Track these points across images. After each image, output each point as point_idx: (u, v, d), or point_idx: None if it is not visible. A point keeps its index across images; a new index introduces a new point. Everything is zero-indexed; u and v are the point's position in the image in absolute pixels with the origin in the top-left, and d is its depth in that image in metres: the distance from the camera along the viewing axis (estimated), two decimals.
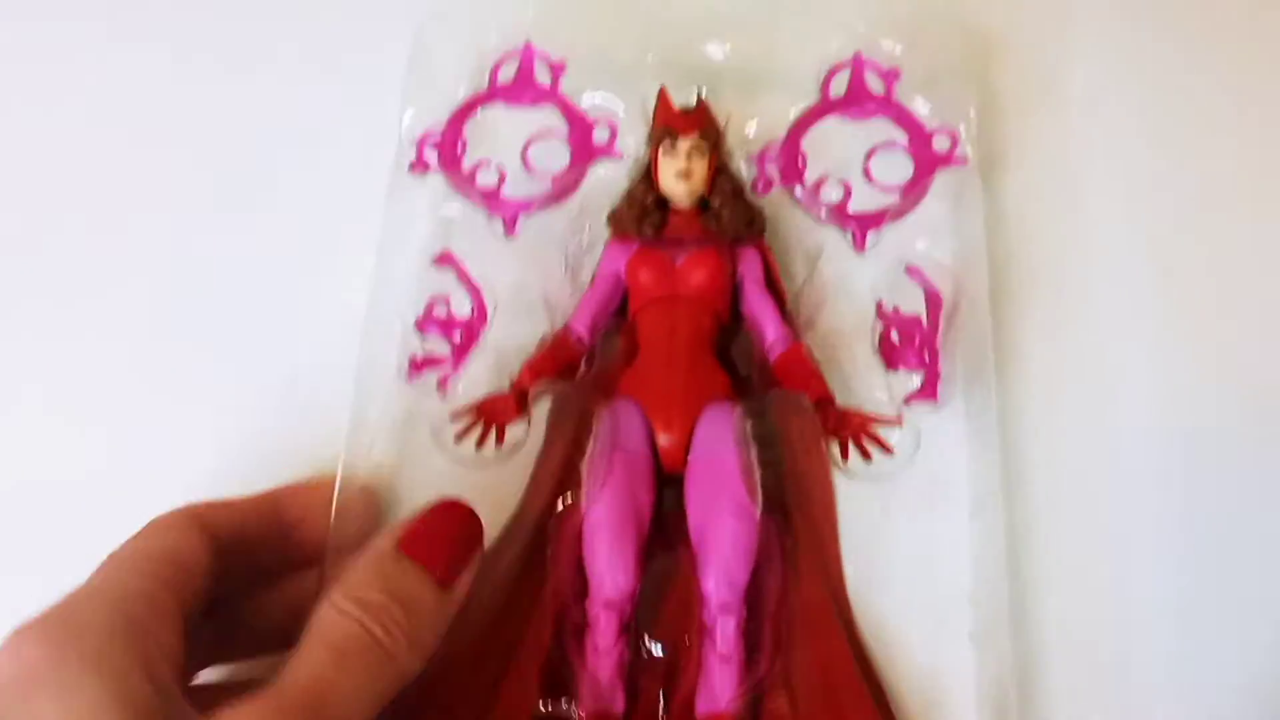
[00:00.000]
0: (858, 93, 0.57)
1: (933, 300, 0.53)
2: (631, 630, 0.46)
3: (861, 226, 0.54)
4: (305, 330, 0.54)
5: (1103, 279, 0.55)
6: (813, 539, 0.49)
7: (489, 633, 0.46)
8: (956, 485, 0.50)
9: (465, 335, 0.52)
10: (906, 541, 0.49)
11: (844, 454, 0.49)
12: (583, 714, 0.45)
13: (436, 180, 0.55)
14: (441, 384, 0.51)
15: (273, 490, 0.45)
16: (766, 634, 0.46)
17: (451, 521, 0.42)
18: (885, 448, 0.49)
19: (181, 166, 0.59)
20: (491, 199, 0.54)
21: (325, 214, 0.57)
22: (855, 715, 0.45)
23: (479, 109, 0.56)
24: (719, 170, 0.53)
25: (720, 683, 0.45)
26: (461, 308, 0.52)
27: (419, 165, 0.55)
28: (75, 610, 0.34)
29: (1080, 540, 0.50)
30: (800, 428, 0.50)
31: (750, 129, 0.56)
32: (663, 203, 0.52)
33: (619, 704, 0.45)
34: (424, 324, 0.52)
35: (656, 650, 0.47)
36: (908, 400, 0.50)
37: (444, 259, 0.53)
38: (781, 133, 0.56)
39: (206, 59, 0.62)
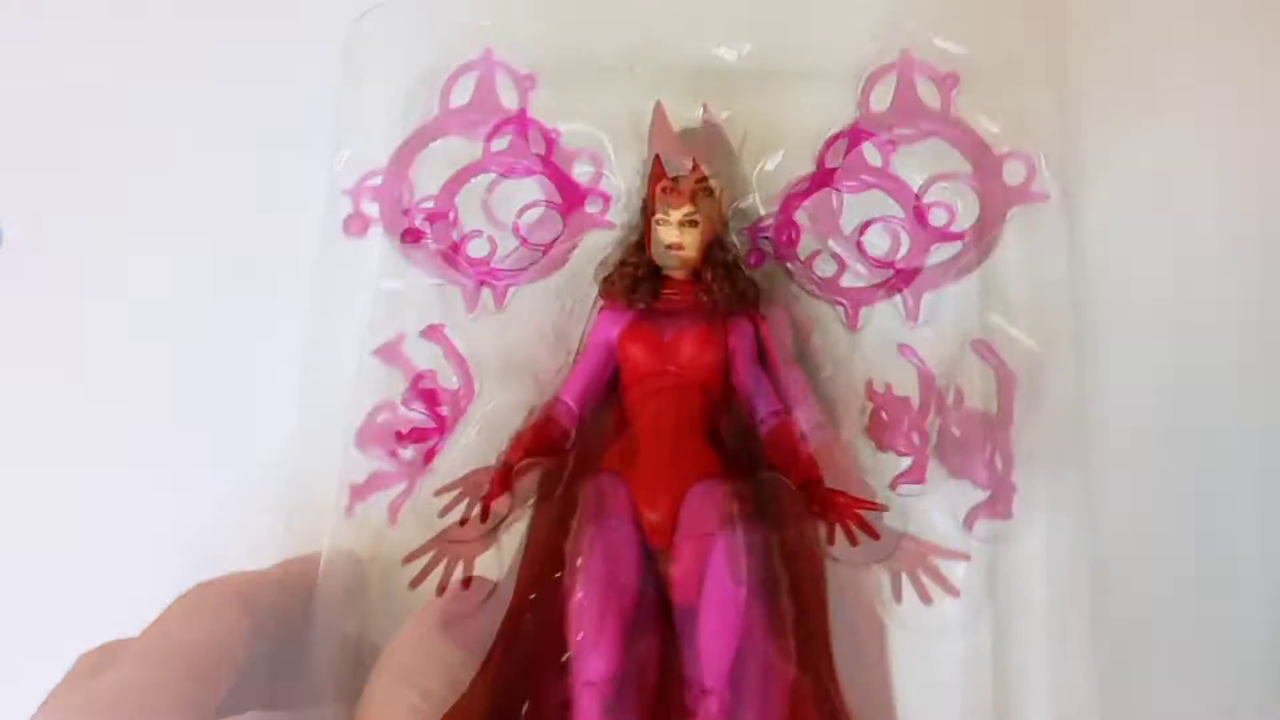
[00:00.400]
0: (907, 106, 0.46)
1: (1005, 383, 0.44)
2: (613, 711, 0.44)
3: (915, 288, 0.45)
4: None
5: (1214, 326, 0.48)
6: (798, 624, 0.46)
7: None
8: (1034, 612, 0.44)
9: (452, 410, 0.47)
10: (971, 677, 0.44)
11: (830, 537, 0.46)
12: None
13: (378, 240, 0.47)
14: (391, 512, 0.45)
15: (302, 559, 0.45)
16: (749, 715, 0.45)
17: (479, 595, 0.45)
18: (871, 533, 0.45)
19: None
20: (448, 262, 0.47)
21: (244, 291, 0.49)
22: None
23: (430, 143, 0.48)
24: (713, 242, 0.48)
25: None
26: (417, 415, 0.46)
27: (356, 223, 0.47)
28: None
29: (1189, 671, 0.45)
30: (790, 509, 0.47)
31: (772, 161, 0.47)
32: (656, 271, 0.49)
33: None
34: (366, 440, 0.44)
35: None
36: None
37: (386, 351, 0.46)
38: (810, 161, 0.47)
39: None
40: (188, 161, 0.51)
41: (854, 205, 0.47)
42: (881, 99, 0.47)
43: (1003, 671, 0.43)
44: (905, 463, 0.45)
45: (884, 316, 0.47)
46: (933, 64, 0.47)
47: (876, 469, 0.46)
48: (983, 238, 0.45)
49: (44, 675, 0.39)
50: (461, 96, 0.48)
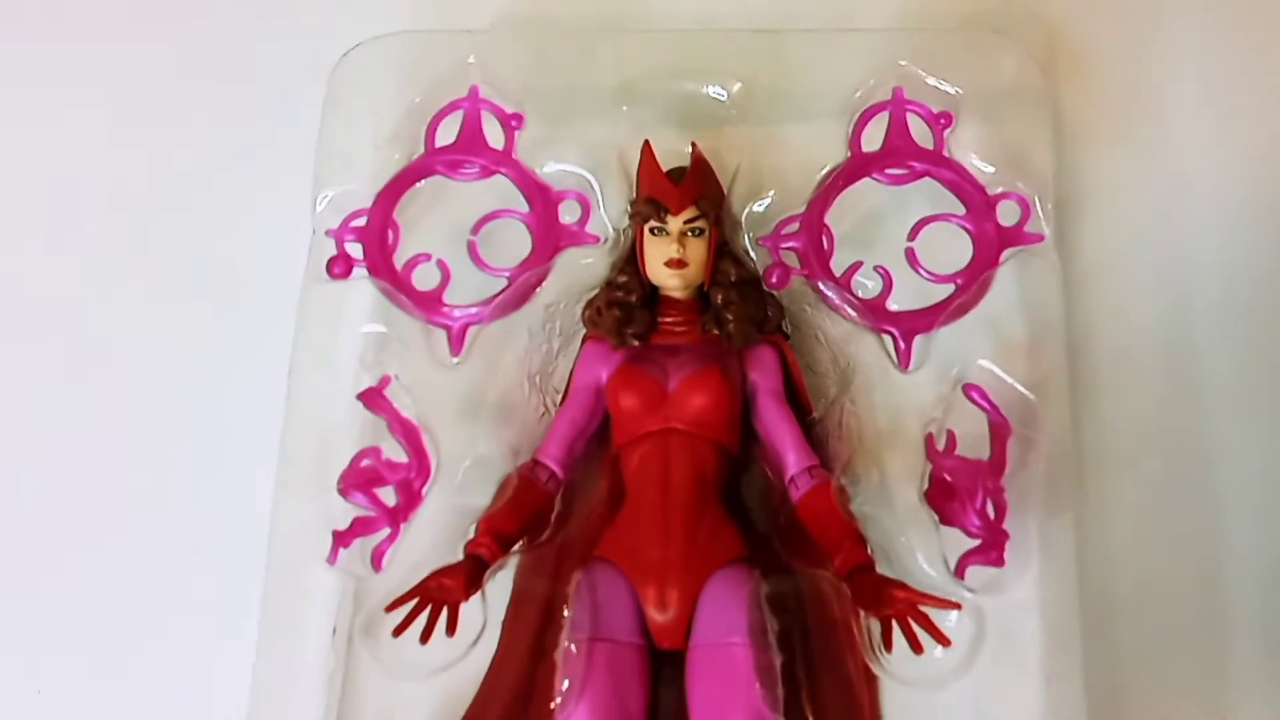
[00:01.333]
0: (898, 145, 0.46)
1: (998, 431, 0.43)
2: None
3: (906, 332, 0.44)
4: (204, 487, 0.47)
5: (1211, 365, 0.48)
6: None
7: None
8: (1027, 655, 0.43)
9: (403, 495, 0.43)
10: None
11: (886, 641, 0.40)
12: None
13: (362, 283, 0.46)
14: (376, 558, 0.42)
15: None
16: None
17: None
18: (941, 638, 0.39)
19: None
20: (431, 307, 0.45)
21: (222, 337, 0.49)
22: None
23: (414, 184, 0.47)
24: (721, 252, 0.44)
25: None
26: (397, 454, 0.44)
27: (339, 264, 0.46)
28: None
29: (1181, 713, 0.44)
30: (837, 607, 0.42)
31: (761, 203, 0.46)
32: (651, 295, 0.44)
33: None
34: (348, 487, 0.43)
35: None
36: (964, 564, 0.42)
37: (371, 398, 0.44)
38: (801, 204, 0.46)
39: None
40: (170, 198, 0.51)
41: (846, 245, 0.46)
42: (873, 138, 0.46)
43: (992, 707, 0.42)
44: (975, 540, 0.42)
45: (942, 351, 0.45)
46: (925, 103, 0.46)
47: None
48: (975, 280, 0.44)
49: None
50: (447, 136, 0.47)
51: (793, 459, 0.42)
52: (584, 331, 0.45)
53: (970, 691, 0.42)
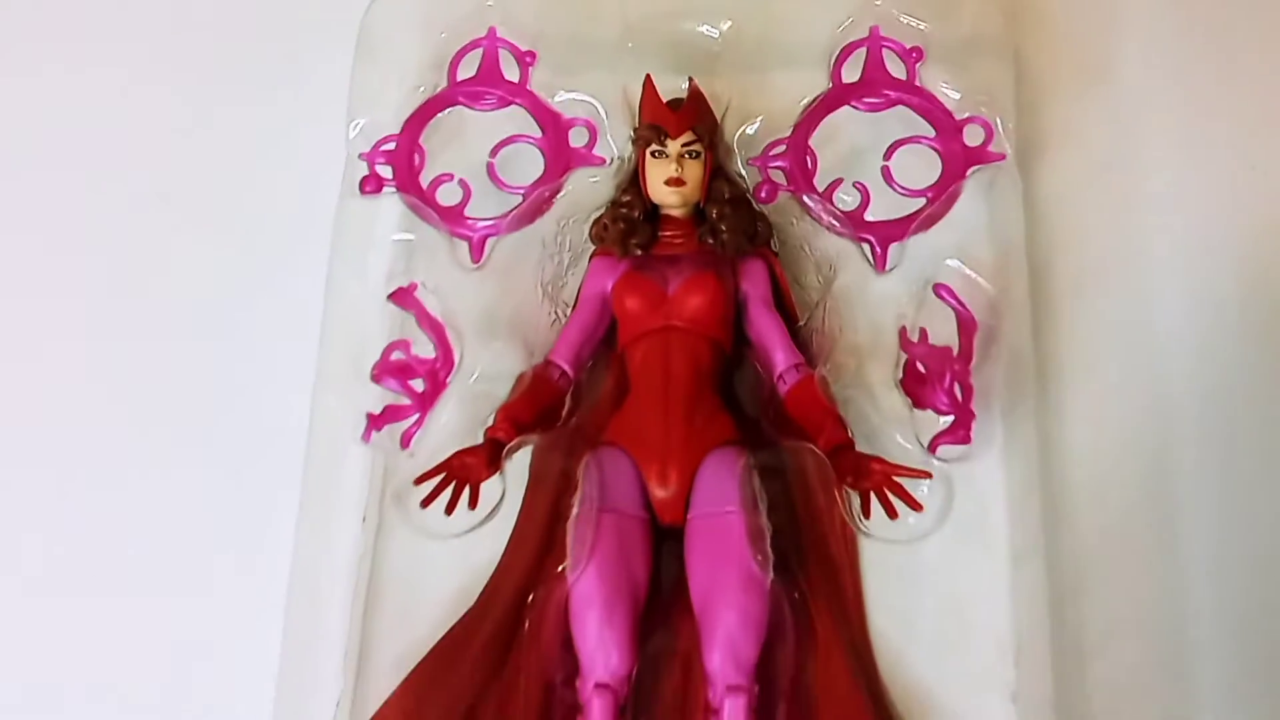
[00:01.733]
0: (875, 77, 0.51)
1: (965, 325, 0.47)
2: (629, 714, 0.43)
3: (882, 239, 0.49)
4: (250, 380, 0.51)
5: (1160, 287, 0.51)
6: (833, 603, 0.46)
7: (468, 716, 0.44)
8: (994, 532, 0.47)
9: (429, 383, 0.47)
10: (939, 597, 0.46)
11: (865, 510, 0.45)
12: None
13: (392, 200, 0.51)
14: (405, 439, 0.47)
15: None
16: (781, 713, 0.44)
17: None
18: (913, 504, 0.44)
19: (118, 193, 0.55)
20: (455, 219, 0.50)
21: (266, 246, 0.53)
22: None
23: (438, 113, 0.52)
24: (715, 173, 0.48)
25: None
26: (425, 349, 0.48)
27: (371, 183, 0.50)
28: None
29: (1133, 590, 0.47)
30: (817, 479, 0.46)
31: (752, 126, 0.50)
32: (652, 213, 0.48)
33: None
34: (381, 374, 0.47)
35: None
36: (935, 443, 0.46)
37: (401, 295, 0.48)
38: (787, 128, 0.51)
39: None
40: (215, 139, 0.55)
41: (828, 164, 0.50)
42: (852, 72, 0.51)
43: (962, 579, 0.46)
44: (946, 420, 0.46)
45: (915, 256, 0.49)
46: (899, 39, 0.51)
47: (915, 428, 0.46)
48: (942, 195, 0.49)
49: None
50: (468, 71, 0.52)
51: (780, 357, 0.47)
52: (591, 250, 0.49)
53: (943, 565, 0.46)
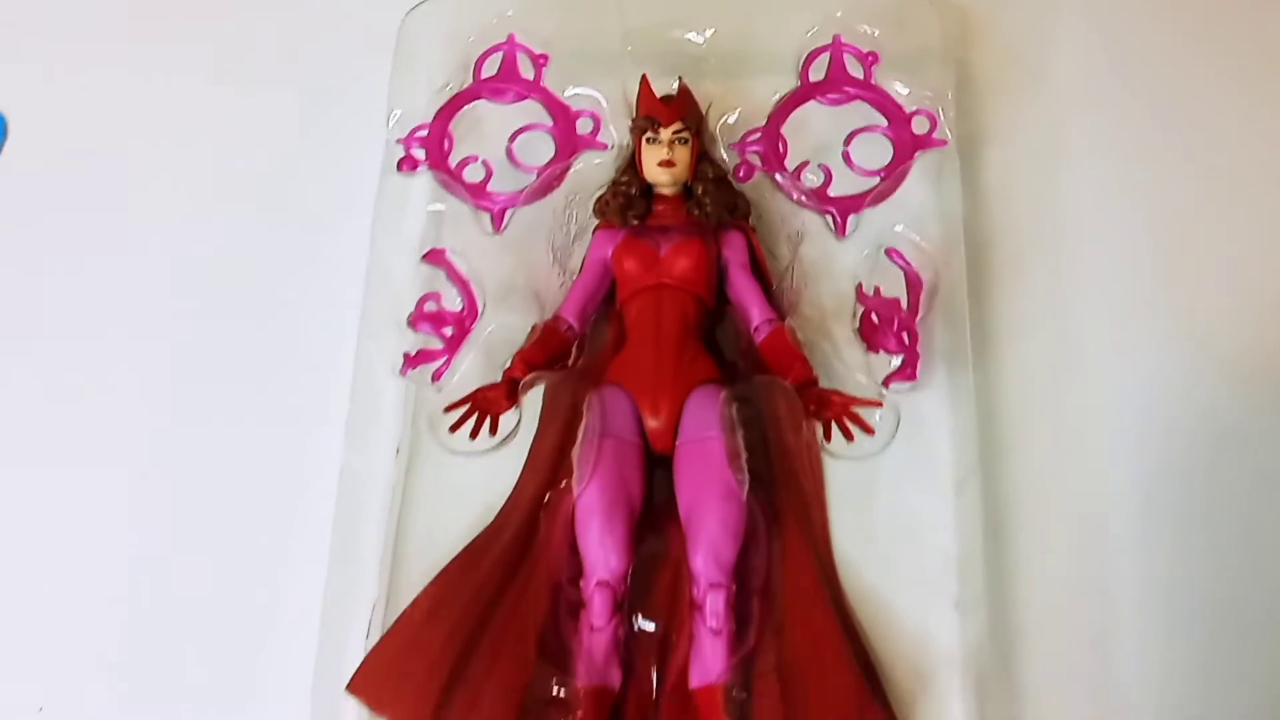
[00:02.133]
0: (837, 77, 0.58)
1: (912, 282, 0.54)
2: (625, 608, 0.48)
3: (842, 211, 0.56)
4: (304, 328, 0.57)
5: (1084, 259, 0.57)
6: (800, 514, 0.51)
7: (486, 612, 0.48)
8: (939, 462, 0.52)
9: (457, 330, 0.54)
10: (893, 515, 0.51)
11: (827, 435, 0.51)
12: (580, 688, 0.47)
13: (425, 178, 0.57)
14: (435, 377, 0.53)
15: None
16: (755, 608, 0.48)
17: None
18: (866, 428, 0.51)
19: (178, 174, 0.62)
20: (479, 194, 0.57)
21: (318, 217, 0.59)
22: (842, 685, 0.47)
23: (464, 106, 0.59)
24: (701, 157, 0.54)
25: (712, 656, 0.47)
26: (453, 303, 0.55)
27: (407, 163, 0.57)
28: None
29: (1059, 513, 0.52)
30: (786, 410, 0.52)
31: (731, 117, 0.58)
32: (647, 190, 0.54)
33: (615, 679, 0.47)
34: (417, 320, 0.54)
35: (649, 627, 0.49)
36: (888, 380, 0.52)
37: (433, 256, 0.55)
38: (763, 119, 0.58)
39: (198, 69, 0.65)
40: (278, 129, 0.62)
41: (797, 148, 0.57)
42: (818, 72, 0.59)
43: (912, 502, 0.51)
44: (896, 362, 0.52)
45: (870, 226, 0.55)
46: (857, 44, 0.58)
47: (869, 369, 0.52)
48: (893, 175, 0.56)
49: None
50: (489, 70, 0.59)
51: (756, 312, 0.52)
52: (595, 224, 0.54)
53: (896, 490, 0.51)
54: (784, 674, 0.47)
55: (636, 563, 0.49)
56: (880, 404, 0.51)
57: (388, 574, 0.51)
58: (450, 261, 0.55)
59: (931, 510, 0.51)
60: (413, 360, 0.53)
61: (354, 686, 0.47)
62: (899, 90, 0.58)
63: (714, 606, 0.47)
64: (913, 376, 0.52)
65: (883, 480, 0.52)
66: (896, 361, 0.52)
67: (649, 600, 0.49)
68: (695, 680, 0.47)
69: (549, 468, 0.52)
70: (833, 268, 0.55)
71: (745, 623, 0.48)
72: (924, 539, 0.51)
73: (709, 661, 0.47)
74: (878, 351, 0.53)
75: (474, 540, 0.50)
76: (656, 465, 0.51)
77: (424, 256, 0.55)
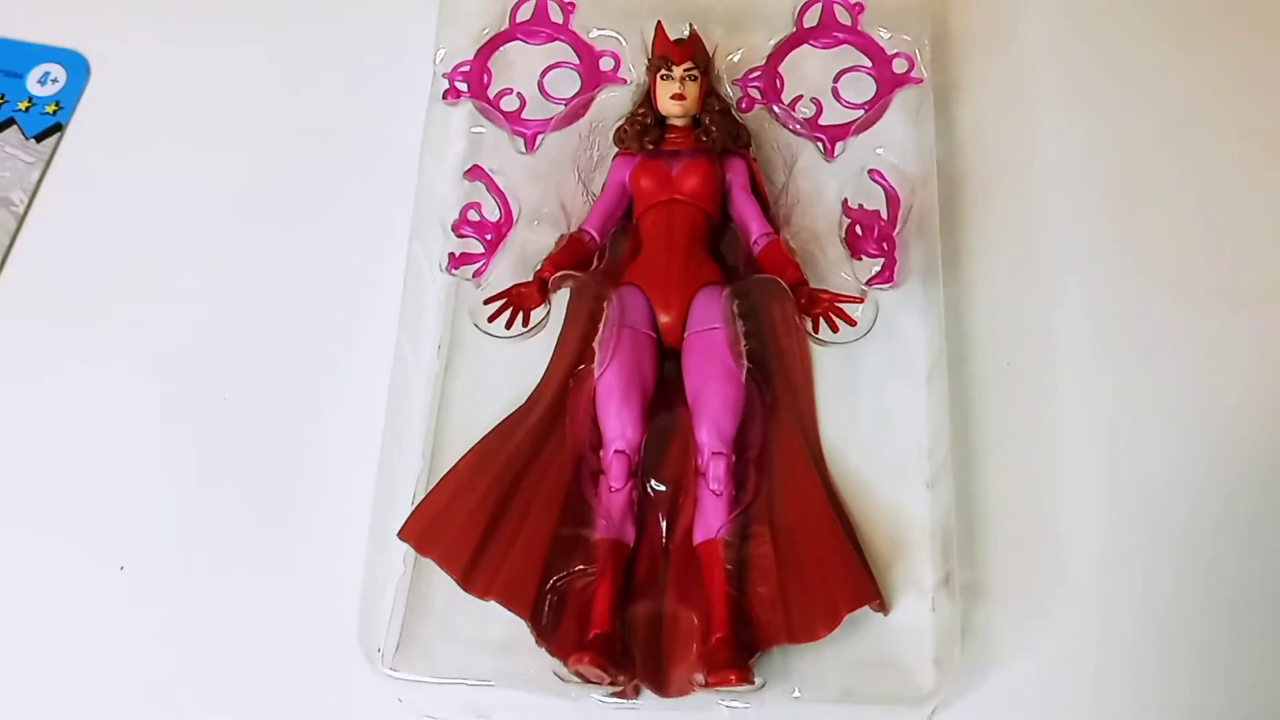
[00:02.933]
0: (828, 24, 0.65)
1: (891, 199, 0.61)
2: (639, 474, 0.54)
3: (831, 138, 0.62)
4: (363, 234, 0.63)
5: (1046, 190, 0.63)
6: (791, 399, 0.56)
7: (519, 474, 0.53)
8: (913, 357, 0.58)
9: (495, 235, 0.59)
10: (873, 404, 0.57)
11: (815, 327, 0.56)
12: (599, 540, 0.52)
13: (467, 107, 0.63)
14: (476, 275, 0.59)
15: None
16: (751, 473, 0.54)
17: None
18: (849, 320, 0.57)
19: (256, 107, 0.68)
20: (514, 120, 0.63)
21: (375, 140, 0.65)
22: (828, 543, 0.52)
23: (501, 45, 0.65)
24: (709, 92, 0.61)
25: (714, 514, 0.52)
26: (491, 212, 0.60)
27: (452, 94, 0.63)
28: None
29: (1016, 404, 0.57)
30: (779, 306, 0.57)
31: (735, 57, 0.64)
32: (661, 121, 0.60)
33: (629, 534, 0.53)
34: (460, 227, 0.60)
35: (661, 488, 0.55)
36: (869, 282, 0.58)
37: (474, 172, 0.61)
38: (762, 59, 0.64)
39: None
40: (337, 62, 0.68)
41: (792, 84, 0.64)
42: (811, 20, 0.66)
43: (889, 392, 0.57)
44: (876, 266, 0.57)
45: (855, 151, 0.61)
46: None
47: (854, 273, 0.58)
48: (875, 107, 0.63)
49: None
50: (523, 15, 0.65)
51: (755, 227, 0.58)
52: (614, 152, 0.60)
53: (875, 381, 0.57)
54: (776, 532, 0.53)
55: (649, 435, 0.54)
56: (862, 300, 0.57)
57: (430, 448, 0.56)
58: (489, 176, 0.60)
59: (906, 400, 0.57)
60: (456, 261, 0.59)
61: (404, 532, 0.52)
62: (882, 35, 0.64)
63: (715, 472, 0.52)
64: (891, 279, 0.58)
65: (864, 373, 0.57)
66: (876, 266, 0.59)
67: (660, 467, 0.55)
68: (699, 536, 0.52)
69: (575, 354, 0.57)
70: (822, 188, 0.61)
71: (742, 487, 0.54)
72: (899, 426, 0.56)
73: (710, 519, 0.52)
74: (860, 258, 0.59)
75: (510, 415, 0.56)
76: (667, 357, 0.56)
77: (466, 172, 0.61)
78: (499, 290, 0.57)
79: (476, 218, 0.60)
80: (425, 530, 0.52)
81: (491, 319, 0.57)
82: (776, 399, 0.57)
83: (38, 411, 0.59)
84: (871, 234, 0.59)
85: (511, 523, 0.52)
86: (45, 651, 0.53)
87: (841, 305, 0.57)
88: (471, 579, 0.51)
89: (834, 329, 0.57)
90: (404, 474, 0.55)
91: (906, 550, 0.53)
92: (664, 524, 0.54)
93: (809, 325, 0.56)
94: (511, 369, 0.58)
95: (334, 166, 0.64)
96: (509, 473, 0.53)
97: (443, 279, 0.59)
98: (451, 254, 0.59)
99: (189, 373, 0.60)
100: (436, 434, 0.56)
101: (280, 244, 0.63)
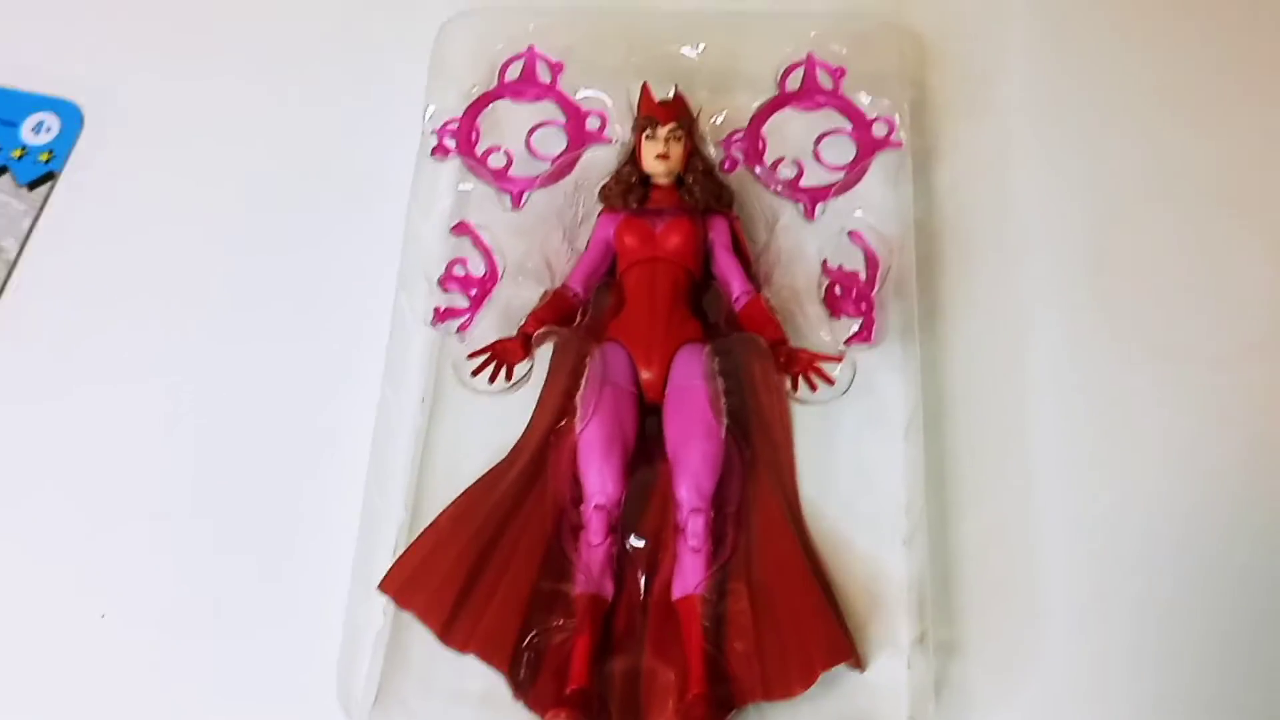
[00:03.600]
0: (810, 88, 0.66)
1: (870, 260, 0.61)
2: (618, 529, 0.54)
3: (812, 199, 0.62)
4: (349, 286, 0.63)
5: (1024, 251, 0.63)
6: (770, 455, 0.56)
7: (499, 528, 0.53)
8: (891, 415, 0.58)
9: (480, 291, 0.59)
10: (851, 461, 0.57)
11: (794, 386, 0.57)
12: (578, 595, 0.52)
13: (455, 163, 0.63)
14: (461, 329, 0.59)
15: None
16: (729, 529, 0.54)
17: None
18: (828, 380, 0.58)
19: (242, 159, 0.67)
20: (501, 178, 0.62)
21: (364, 195, 0.65)
22: (804, 600, 0.52)
23: (490, 104, 0.65)
24: (693, 153, 0.61)
25: (691, 570, 0.52)
26: (477, 268, 0.60)
27: (440, 150, 0.63)
28: None
29: (991, 461, 0.57)
30: (759, 364, 0.57)
31: (718, 119, 0.64)
32: (645, 180, 0.59)
33: (608, 589, 0.53)
34: (445, 281, 0.60)
35: (639, 544, 0.54)
36: (847, 342, 0.58)
37: (461, 228, 0.61)
38: (745, 121, 0.64)
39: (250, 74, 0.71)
40: (326, 117, 0.68)
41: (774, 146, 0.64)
42: (794, 83, 0.66)
43: (866, 449, 0.57)
44: (855, 326, 0.58)
45: (835, 213, 0.61)
46: (828, 60, 0.65)
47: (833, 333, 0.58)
48: (855, 170, 0.64)
49: None
50: (512, 75, 0.65)
51: (736, 285, 0.58)
52: (599, 210, 0.60)
53: (853, 439, 0.57)
54: (753, 588, 0.52)
55: (629, 490, 0.54)
56: (840, 359, 0.58)
57: (413, 500, 0.56)
58: (475, 232, 0.61)
59: (884, 456, 0.57)
60: (441, 315, 0.59)
61: (385, 585, 0.52)
62: (863, 100, 0.64)
63: (694, 528, 0.52)
64: (869, 339, 0.58)
65: (843, 429, 0.57)
66: (855, 325, 0.58)
67: (639, 522, 0.55)
68: (677, 591, 0.52)
69: (557, 409, 0.57)
70: (803, 247, 0.61)
71: (720, 543, 0.53)
72: (877, 482, 0.56)
73: (689, 575, 0.52)
74: (839, 317, 0.59)
75: (491, 469, 0.56)
76: (648, 413, 0.56)
77: (453, 228, 0.61)
78: (483, 345, 0.58)
79: (462, 273, 0.61)
80: (406, 583, 0.52)
81: (475, 373, 0.57)
82: (756, 455, 0.56)
83: (25, 456, 0.58)
84: (850, 294, 0.60)
85: (491, 576, 0.52)
86: (22, 699, 0.53)
87: (820, 365, 0.58)
88: (451, 632, 0.51)
89: (813, 388, 0.58)
90: (386, 525, 0.55)
91: (883, 606, 0.53)
92: (642, 579, 0.54)
93: (788, 384, 0.57)
94: (495, 423, 0.57)
95: (322, 217, 0.65)
96: (490, 526, 0.53)
97: (427, 332, 0.59)
98: (437, 309, 0.59)
99: (172, 421, 0.60)
100: (419, 486, 0.56)
101: (268, 293, 0.63)
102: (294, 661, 0.53)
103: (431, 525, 0.54)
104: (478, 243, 0.61)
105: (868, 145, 0.63)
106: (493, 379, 0.57)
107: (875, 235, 0.61)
